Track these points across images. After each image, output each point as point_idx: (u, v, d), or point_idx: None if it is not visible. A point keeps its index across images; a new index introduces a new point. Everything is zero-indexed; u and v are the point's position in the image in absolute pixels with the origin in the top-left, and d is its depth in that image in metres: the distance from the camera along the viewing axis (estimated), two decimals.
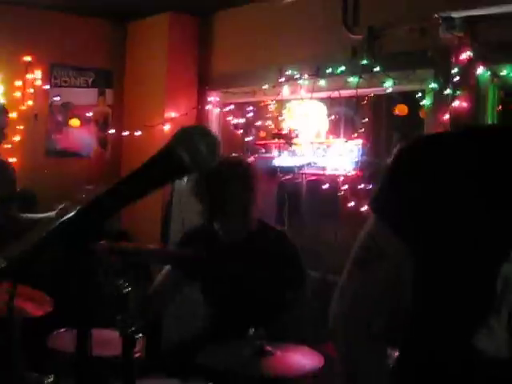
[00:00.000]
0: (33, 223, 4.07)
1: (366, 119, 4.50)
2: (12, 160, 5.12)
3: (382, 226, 1.40)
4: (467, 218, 1.32)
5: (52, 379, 2.98)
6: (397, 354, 1.55)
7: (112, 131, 5.89)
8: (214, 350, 2.77)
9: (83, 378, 1.13)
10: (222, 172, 3.03)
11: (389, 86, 4.21)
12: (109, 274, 2.51)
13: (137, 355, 2.48)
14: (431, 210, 1.33)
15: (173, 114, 5.45)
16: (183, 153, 1.04)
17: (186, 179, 4.87)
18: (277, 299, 3.01)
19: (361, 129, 4.47)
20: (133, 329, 2.17)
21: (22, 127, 5.43)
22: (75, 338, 1.12)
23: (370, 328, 1.42)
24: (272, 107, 5.00)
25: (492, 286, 1.29)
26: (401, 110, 4.33)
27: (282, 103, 4.98)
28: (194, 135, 1.07)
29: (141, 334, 2.34)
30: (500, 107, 3.87)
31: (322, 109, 4.69)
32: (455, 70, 3.79)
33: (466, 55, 3.73)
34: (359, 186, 4.34)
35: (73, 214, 1.08)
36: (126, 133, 5.63)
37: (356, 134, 4.46)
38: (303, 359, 2.76)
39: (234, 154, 4.67)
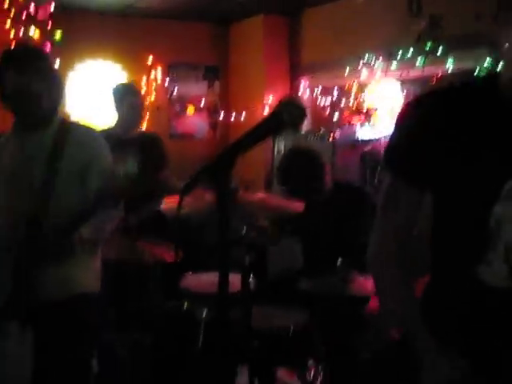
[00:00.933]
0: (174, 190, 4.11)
1: None
2: None
3: (396, 179, 1.49)
4: (466, 163, 1.38)
5: (186, 305, 3.16)
6: None
7: (221, 116, 6.48)
8: (312, 278, 3.14)
9: (224, 312, 1.41)
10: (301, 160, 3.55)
11: (449, 65, 4.53)
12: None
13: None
14: (440, 158, 1.40)
15: (271, 99, 5.91)
16: (284, 113, 1.35)
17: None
18: (354, 240, 3.24)
19: None
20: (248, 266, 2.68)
21: (147, 117, 5.98)
22: (217, 278, 1.33)
23: (396, 257, 1.51)
24: (354, 88, 5.42)
25: (486, 224, 1.36)
26: None
27: (362, 85, 5.36)
28: (290, 102, 1.39)
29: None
30: None
31: (397, 87, 5.13)
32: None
33: None
34: None
35: (212, 160, 1.34)
36: (233, 117, 6.20)
37: None
38: None
39: (322, 129, 5.32)
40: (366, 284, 3.05)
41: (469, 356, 1.40)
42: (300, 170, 3.55)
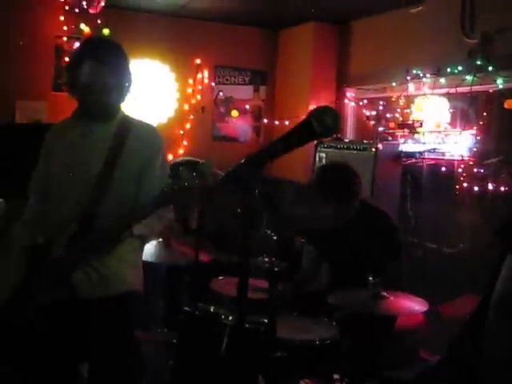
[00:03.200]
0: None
1: (484, 113, 4.75)
2: (184, 143, 6.03)
3: None
4: None
5: (213, 309, 3.05)
6: None
7: (265, 121, 6.52)
8: (341, 293, 3.13)
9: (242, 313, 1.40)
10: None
11: (500, 83, 4.47)
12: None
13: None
14: None
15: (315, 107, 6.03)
16: (315, 122, 1.32)
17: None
18: (379, 264, 3.25)
19: (476, 121, 4.73)
20: (276, 269, 2.69)
21: (192, 117, 6.21)
22: (236, 282, 1.35)
23: None
24: (401, 102, 5.33)
25: None
26: (510, 104, 4.49)
27: (408, 98, 5.27)
28: (322, 111, 1.34)
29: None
30: None
31: (444, 103, 4.96)
32: None
33: None
34: (473, 170, 4.66)
35: (241, 162, 1.34)
36: (277, 122, 6.23)
37: (475, 128, 4.70)
38: (411, 303, 3.08)
39: (365, 141, 5.27)
40: (395, 302, 3.04)
41: None
42: (331, 185, 3.52)
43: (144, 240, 2.61)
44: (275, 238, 2.92)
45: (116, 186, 2.44)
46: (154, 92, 5.88)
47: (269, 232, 2.92)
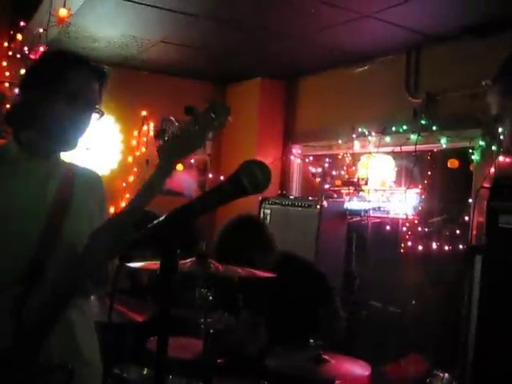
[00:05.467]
0: None
1: (428, 172, 4.84)
2: (127, 196, 5.90)
3: None
4: None
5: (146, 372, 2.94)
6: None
7: (210, 176, 6.49)
8: (279, 356, 2.99)
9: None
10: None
11: (444, 143, 4.56)
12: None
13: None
14: None
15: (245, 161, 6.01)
16: (244, 178, 1.24)
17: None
18: (311, 315, 3.10)
19: (420, 180, 4.81)
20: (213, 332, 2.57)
21: (135, 169, 6.12)
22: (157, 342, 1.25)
23: None
24: (347, 159, 5.39)
25: None
26: (453, 163, 4.62)
27: (354, 156, 5.33)
28: (252, 165, 1.27)
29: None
30: None
31: (390, 161, 5.05)
32: (500, 130, 4.04)
33: None
34: (417, 229, 4.71)
35: (160, 220, 1.23)
36: (222, 178, 6.02)
37: (419, 186, 4.78)
38: (353, 366, 2.95)
39: (310, 198, 5.24)
40: (336, 366, 2.91)
41: None
42: (238, 243, 3.34)
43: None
44: (211, 297, 2.76)
45: (68, 234, 1.93)
46: (97, 143, 5.76)
47: (204, 291, 2.78)
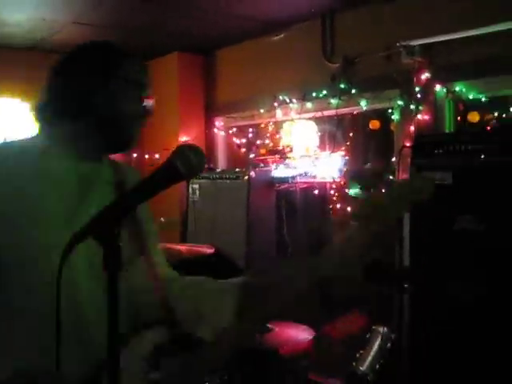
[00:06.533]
0: None
1: (351, 134, 4.89)
2: None
3: None
4: None
5: None
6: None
7: (134, 155, 6.25)
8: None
9: None
10: None
11: (364, 105, 4.62)
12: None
13: None
14: None
15: (185, 138, 5.90)
16: (178, 162, 1.22)
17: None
18: None
19: (344, 143, 4.86)
20: None
21: None
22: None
23: None
24: (270, 128, 5.42)
25: None
26: (374, 124, 4.80)
27: (278, 124, 5.36)
28: (185, 150, 1.24)
29: None
30: (459, 118, 4.23)
31: (312, 127, 5.06)
32: (417, 89, 4.18)
33: (424, 76, 4.15)
34: (344, 190, 4.74)
35: (96, 214, 1.16)
36: (147, 156, 6.08)
37: (343, 149, 4.83)
38: (297, 332, 3.09)
39: (237, 169, 5.24)
40: (279, 334, 3.01)
41: None
42: None
43: None
44: None
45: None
46: (13, 132, 5.54)
47: None
